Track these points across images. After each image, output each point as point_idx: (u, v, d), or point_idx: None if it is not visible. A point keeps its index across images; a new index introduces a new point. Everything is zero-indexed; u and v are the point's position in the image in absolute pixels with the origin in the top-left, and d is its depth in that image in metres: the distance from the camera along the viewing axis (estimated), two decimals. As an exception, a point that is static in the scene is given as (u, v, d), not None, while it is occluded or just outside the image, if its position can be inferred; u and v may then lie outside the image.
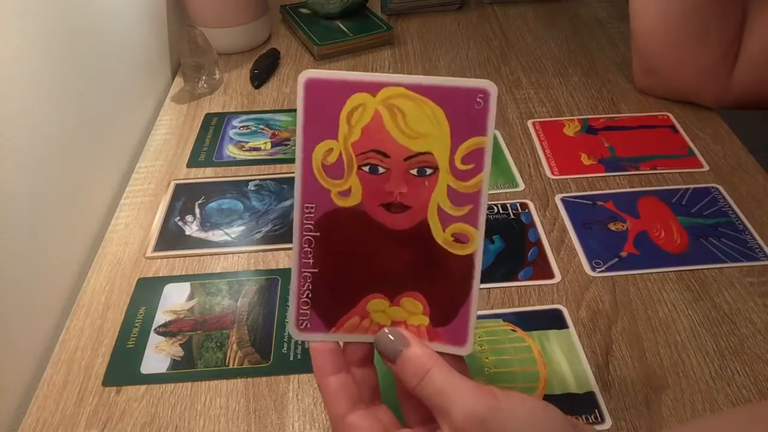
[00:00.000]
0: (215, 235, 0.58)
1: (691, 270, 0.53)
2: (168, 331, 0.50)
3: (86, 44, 0.61)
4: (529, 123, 0.71)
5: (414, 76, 0.34)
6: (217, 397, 0.46)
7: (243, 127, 0.72)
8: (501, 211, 0.60)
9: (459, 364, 0.35)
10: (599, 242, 0.56)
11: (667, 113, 0.71)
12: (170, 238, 0.58)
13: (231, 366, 0.48)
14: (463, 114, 0.34)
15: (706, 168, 0.64)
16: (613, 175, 0.63)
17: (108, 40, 0.66)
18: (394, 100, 0.34)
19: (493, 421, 0.31)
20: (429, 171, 0.35)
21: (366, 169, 0.35)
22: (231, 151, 0.69)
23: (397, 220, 0.35)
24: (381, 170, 0.35)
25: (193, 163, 0.67)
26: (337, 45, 0.84)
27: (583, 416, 0.43)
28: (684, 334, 0.49)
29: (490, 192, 0.62)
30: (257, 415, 0.44)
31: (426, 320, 0.36)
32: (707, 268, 0.53)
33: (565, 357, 0.47)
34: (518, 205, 0.60)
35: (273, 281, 0.54)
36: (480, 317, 0.49)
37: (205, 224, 0.60)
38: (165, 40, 0.82)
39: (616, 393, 0.45)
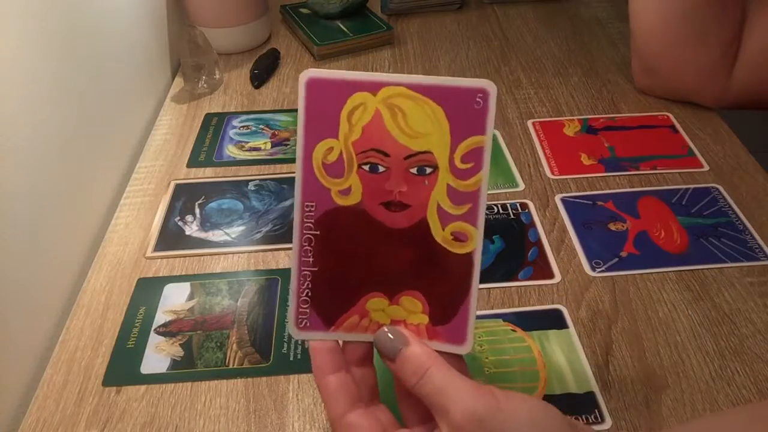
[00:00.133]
0: (215, 235, 0.58)
1: (691, 270, 0.53)
2: (168, 331, 0.50)
3: (86, 44, 0.61)
4: (529, 123, 0.71)
5: (414, 76, 0.34)
6: (217, 397, 0.46)
7: (243, 127, 0.72)
8: (501, 211, 0.60)
9: (458, 363, 0.35)
10: (599, 242, 0.56)
11: (667, 113, 0.71)
12: (170, 238, 0.58)
13: (231, 366, 0.48)
14: (463, 113, 0.34)
15: (706, 168, 0.64)
16: (613, 175, 0.63)
17: (108, 40, 0.66)
18: (395, 99, 0.34)
19: (493, 420, 0.31)
20: (429, 170, 0.35)
21: (366, 167, 0.35)
22: (231, 151, 0.69)
23: (396, 218, 0.35)
24: (381, 169, 0.35)
25: (193, 163, 0.67)
26: (337, 45, 0.84)
27: (583, 416, 0.43)
28: (684, 334, 0.49)
29: (491, 192, 0.62)
30: (257, 415, 0.44)
31: (425, 319, 0.36)
32: (707, 268, 0.53)
33: (565, 357, 0.47)
34: (518, 205, 0.60)
35: (273, 281, 0.54)
36: (480, 317, 0.49)
37: (205, 224, 0.60)
38: (165, 40, 0.82)
39: (616, 393, 0.45)
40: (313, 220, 0.35)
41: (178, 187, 0.64)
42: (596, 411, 0.44)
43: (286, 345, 0.49)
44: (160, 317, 0.51)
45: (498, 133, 0.70)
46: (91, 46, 0.62)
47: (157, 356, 0.48)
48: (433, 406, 0.33)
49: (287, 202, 0.61)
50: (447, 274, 0.35)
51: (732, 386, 0.45)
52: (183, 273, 0.55)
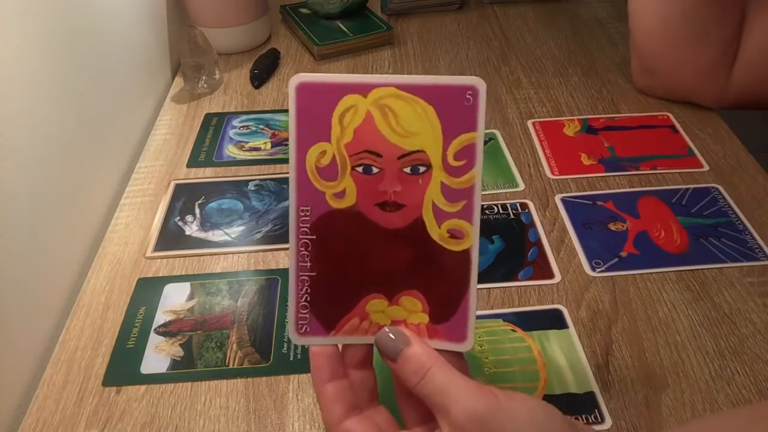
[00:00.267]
0: (215, 235, 0.58)
1: (691, 270, 0.53)
2: (168, 331, 0.50)
3: (86, 44, 0.61)
4: (529, 123, 0.71)
5: (404, 76, 0.34)
6: (217, 397, 0.46)
7: (243, 127, 0.72)
8: (501, 211, 0.60)
9: (459, 362, 0.35)
10: (599, 242, 0.56)
11: (667, 113, 0.71)
12: (170, 238, 0.58)
13: (231, 366, 0.48)
14: (454, 111, 0.34)
15: (706, 168, 0.64)
16: (613, 175, 0.63)
17: (108, 40, 0.66)
18: (386, 100, 0.34)
19: (494, 420, 0.31)
20: (422, 169, 0.35)
21: (360, 169, 0.35)
22: (231, 151, 0.69)
23: (392, 219, 0.35)
24: (375, 170, 0.35)
25: (193, 163, 0.67)
26: (337, 45, 0.84)
27: (583, 416, 0.43)
28: (684, 334, 0.49)
29: (491, 192, 0.62)
30: (257, 415, 0.44)
31: (426, 318, 0.36)
32: (707, 268, 0.53)
33: (565, 357, 0.47)
34: (518, 205, 0.60)
35: (273, 281, 0.54)
36: (480, 317, 0.49)
37: (205, 224, 0.60)
38: (165, 40, 0.82)
39: (616, 393, 0.45)
40: (308, 225, 0.36)
41: (178, 187, 0.64)
42: (596, 411, 0.44)
43: (286, 345, 0.49)
44: (160, 317, 0.51)
45: (498, 133, 0.70)
46: (91, 46, 0.62)
47: (157, 356, 0.48)
48: (435, 406, 0.33)
49: (287, 202, 0.61)
50: (445, 271, 0.35)
51: (732, 386, 0.45)
52: (183, 273, 0.55)
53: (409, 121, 0.34)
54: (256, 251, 0.57)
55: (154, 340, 0.49)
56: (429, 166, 0.35)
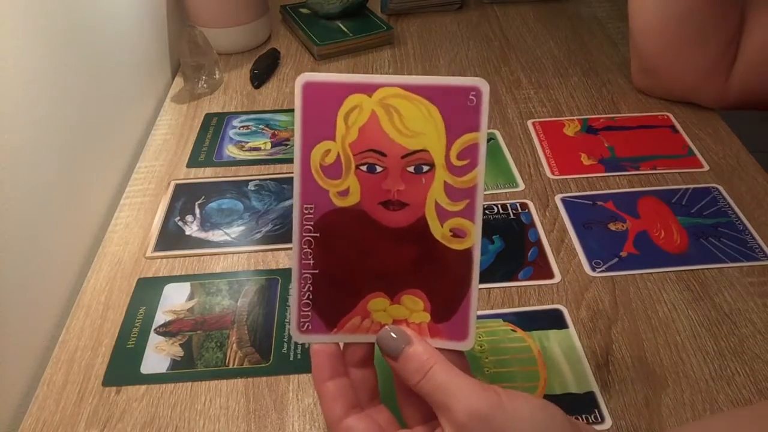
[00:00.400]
0: (215, 235, 0.58)
1: (691, 270, 0.53)
2: (168, 331, 0.50)
3: (86, 44, 0.61)
4: (529, 123, 0.71)
5: (409, 77, 0.35)
6: (217, 397, 0.46)
7: (243, 127, 0.72)
8: (501, 211, 0.60)
9: (461, 361, 0.35)
10: (599, 242, 0.56)
11: (667, 113, 0.71)
12: (170, 238, 0.58)
13: (231, 366, 0.48)
14: (457, 111, 0.35)
15: (706, 168, 0.64)
16: (613, 175, 0.63)
17: (108, 40, 0.66)
18: (390, 100, 0.35)
19: (496, 418, 0.31)
20: (425, 168, 0.35)
21: (364, 168, 0.35)
22: (231, 151, 0.69)
23: (395, 217, 0.35)
24: (378, 169, 0.35)
25: (193, 163, 0.67)
26: (337, 45, 0.84)
27: (583, 416, 0.43)
28: (684, 334, 0.49)
29: (491, 192, 0.62)
30: (257, 415, 0.44)
31: (427, 317, 0.36)
32: (707, 268, 0.53)
33: (565, 357, 0.47)
34: (518, 205, 0.60)
35: (273, 281, 0.54)
36: (480, 317, 0.49)
37: (205, 224, 0.60)
38: (165, 40, 0.82)
39: (616, 393, 0.45)
40: (312, 223, 0.36)
41: (178, 187, 0.64)
42: (596, 411, 0.44)
43: (286, 345, 0.49)
44: (160, 317, 0.51)
45: (498, 133, 0.70)
46: (91, 46, 0.62)
47: (157, 356, 0.48)
48: (436, 405, 0.33)
49: (287, 202, 0.61)
50: (447, 270, 0.36)
51: (732, 386, 0.45)
52: (183, 273, 0.55)
53: (414, 120, 0.35)
54: (256, 251, 0.57)
55: (154, 340, 0.49)
56: (432, 166, 0.35)
